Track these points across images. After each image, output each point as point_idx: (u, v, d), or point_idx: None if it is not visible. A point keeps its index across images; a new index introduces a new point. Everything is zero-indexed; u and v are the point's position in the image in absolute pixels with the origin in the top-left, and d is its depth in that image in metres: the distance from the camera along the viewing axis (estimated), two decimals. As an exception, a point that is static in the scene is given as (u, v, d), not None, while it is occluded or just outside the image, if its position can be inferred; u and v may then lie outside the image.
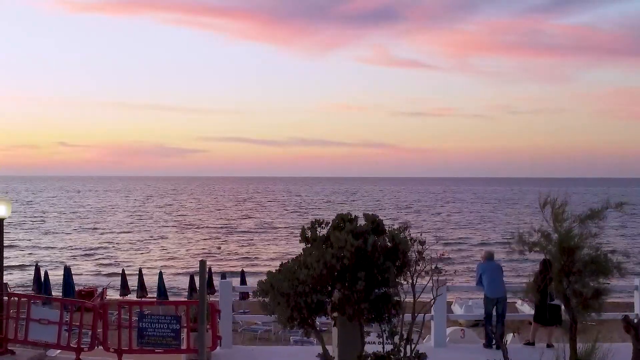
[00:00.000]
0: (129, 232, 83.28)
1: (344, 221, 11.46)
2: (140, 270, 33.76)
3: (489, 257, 16.88)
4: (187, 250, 65.12)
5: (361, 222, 11.56)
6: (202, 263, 12.16)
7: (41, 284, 32.36)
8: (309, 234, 11.49)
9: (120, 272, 40.18)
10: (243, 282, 32.90)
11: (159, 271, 32.74)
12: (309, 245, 11.51)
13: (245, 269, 51.00)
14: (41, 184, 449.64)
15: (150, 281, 44.38)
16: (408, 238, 11.23)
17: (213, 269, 51.70)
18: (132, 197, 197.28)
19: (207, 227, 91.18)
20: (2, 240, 12.64)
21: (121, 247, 66.70)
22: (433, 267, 10.82)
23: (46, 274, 31.15)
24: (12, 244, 65.21)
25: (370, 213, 11.66)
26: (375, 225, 11.42)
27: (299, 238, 11.26)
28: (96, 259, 58.54)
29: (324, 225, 11.63)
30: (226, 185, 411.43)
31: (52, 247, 65.47)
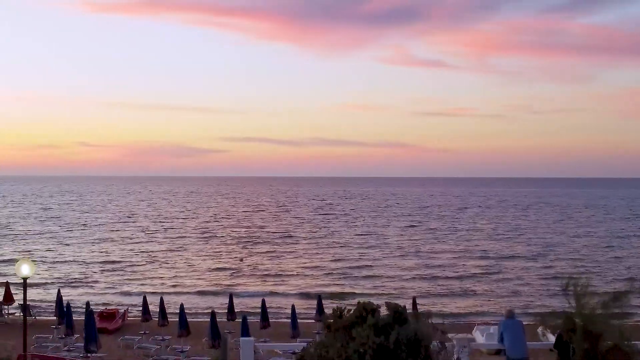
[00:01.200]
0: (150, 241, 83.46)
1: (366, 311, 11.48)
2: (162, 299, 33.89)
3: (510, 315, 16.95)
4: (210, 263, 65.15)
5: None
6: (224, 342, 12.25)
7: (63, 312, 32.54)
8: (331, 322, 11.53)
9: (141, 294, 40.62)
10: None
11: (180, 303, 32.86)
12: (331, 332, 11.54)
13: (267, 287, 51.12)
14: (63, 184, 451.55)
15: (172, 301, 44.54)
16: (430, 328, 11.24)
17: (234, 285, 51.84)
18: (153, 201, 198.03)
19: (230, 236, 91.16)
20: (26, 297, 12.76)
21: (143, 260, 66.79)
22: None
23: (68, 307, 31.29)
24: (38, 259, 65.64)
25: (393, 302, 11.66)
26: (397, 315, 11.43)
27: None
28: (117, 274, 58.66)
29: (345, 313, 11.65)
30: (248, 187, 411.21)
31: (74, 261, 65.62)
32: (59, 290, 37.46)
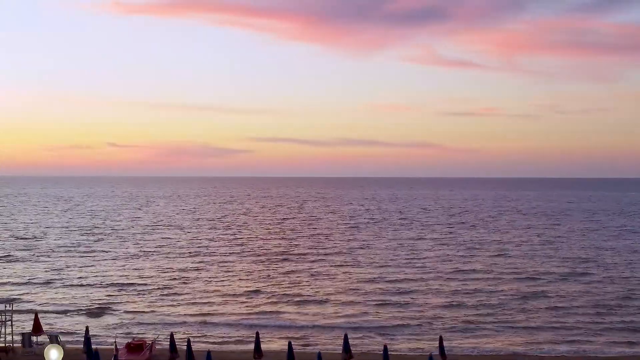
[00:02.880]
0: (180, 257, 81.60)
1: None
2: (189, 342, 32.49)
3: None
4: (243, 285, 63.08)
5: None
6: None
7: (91, 353, 31.18)
8: None
9: (171, 324, 38.79)
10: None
11: (207, 351, 31.42)
12: None
13: (303, 317, 48.33)
14: (94, 185, 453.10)
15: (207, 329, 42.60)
16: None
17: (267, 313, 48.95)
18: (183, 206, 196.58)
19: (259, 251, 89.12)
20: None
21: (173, 280, 64.85)
22: None
23: (96, 354, 29.58)
24: (69, 281, 64.11)
25: None
26: None
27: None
28: (149, 297, 56.71)
29: None
30: (277, 189, 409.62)
31: (101, 284, 63.83)
32: (87, 330, 36.66)
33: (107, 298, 55.23)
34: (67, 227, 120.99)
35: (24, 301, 53.19)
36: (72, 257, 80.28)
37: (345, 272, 69.45)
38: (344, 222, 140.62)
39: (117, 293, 57.40)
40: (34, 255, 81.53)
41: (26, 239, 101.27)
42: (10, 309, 41.47)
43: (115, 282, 62.59)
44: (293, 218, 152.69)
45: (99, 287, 59.96)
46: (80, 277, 65.23)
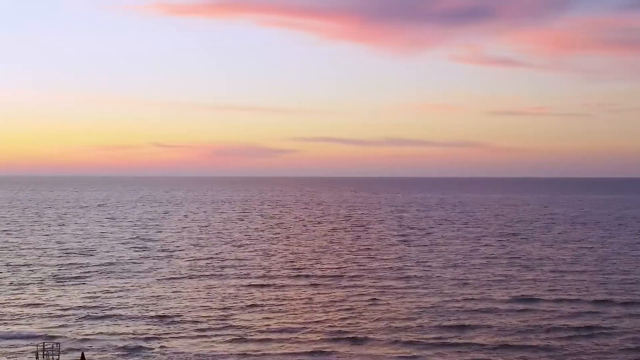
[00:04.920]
0: (228, 278, 79.41)
1: None
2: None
3: None
4: (289, 314, 60.47)
5: None
6: None
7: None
8: None
9: None
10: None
11: None
12: None
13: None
14: (141, 187, 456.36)
15: None
16: None
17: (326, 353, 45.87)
18: (230, 213, 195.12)
19: (310, 271, 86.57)
20: None
21: (220, 309, 62.45)
22: None
23: None
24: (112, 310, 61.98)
25: None
26: None
27: None
28: (187, 332, 54.40)
29: None
30: (323, 192, 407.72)
31: (144, 315, 61.70)
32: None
33: (149, 330, 52.98)
34: (113, 240, 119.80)
35: (66, 337, 50.99)
36: (118, 278, 78.40)
37: (398, 299, 66.44)
38: (393, 232, 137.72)
39: (159, 325, 55.09)
40: (77, 276, 79.66)
41: (70, 254, 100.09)
42: (58, 349, 40.00)
43: (158, 311, 60.22)
44: (342, 229, 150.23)
45: (143, 319, 57.57)
46: (124, 305, 62.97)
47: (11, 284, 73.52)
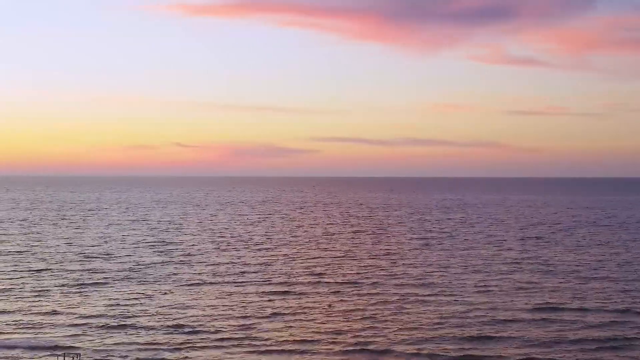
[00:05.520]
0: (250, 284, 79.11)
1: None
2: None
3: None
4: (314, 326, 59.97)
5: None
6: None
7: None
8: None
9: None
10: None
11: None
12: None
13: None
14: (162, 187, 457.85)
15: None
16: None
17: None
18: (250, 214, 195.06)
19: (335, 278, 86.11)
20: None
21: (243, 320, 62.18)
22: None
23: None
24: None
25: None
26: None
27: None
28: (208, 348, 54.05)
29: None
30: (343, 193, 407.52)
31: (167, 325, 61.45)
32: None
33: (170, 340, 52.73)
34: (133, 244, 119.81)
35: (87, 347, 50.83)
36: (139, 284, 78.26)
37: (420, 307, 65.85)
38: (413, 236, 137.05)
39: (179, 334, 54.86)
40: (98, 282, 79.56)
41: (91, 258, 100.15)
42: (79, 360, 39.92)
43: (179, 320, 59.96)
44: (363, 232, 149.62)
45: (163, 328, 57.34)
46: (144, 313, 62.74)
47: (33, 289, 73.67)
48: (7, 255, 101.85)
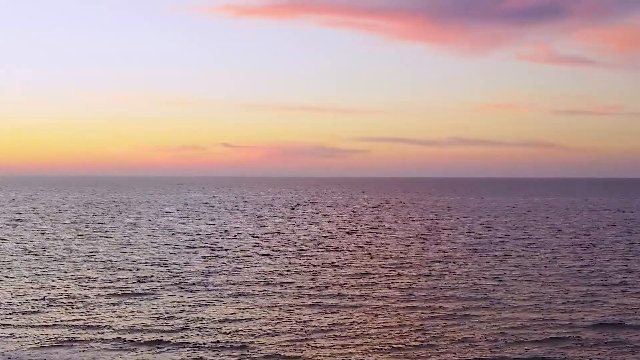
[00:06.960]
0: (299, 295, 78.01)
1: None
2: None
3: None
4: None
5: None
6: None
7: None
8: None
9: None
10: None
11: None
12: None
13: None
14: (210, 188, 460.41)
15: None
16: None
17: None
18: (302, 217, 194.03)
19: (384, 292, 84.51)
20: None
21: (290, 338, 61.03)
22: None
23: None
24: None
25: None
26: None
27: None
28: None
29: None
30: (394, 193, 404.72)
31: (212, 343, 60.58)
32: None
33: (216, 357, 51.87)
34: (182, 249, 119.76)
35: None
36: (187, 293, 77.82)
37: (472, 323, 64.00)
38: (465, 242, 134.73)
39: (227, 350, 54.00)
40: (146, 292, 79.26)
41: (140, 264, 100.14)
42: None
43: (227, 334, 59.13)
44: (414, 237, 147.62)
45: (211, 343, 56.50)
46: (192, 327, 62.09)
47: (85, 298, 73.72)
48: (53, 261, 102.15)
